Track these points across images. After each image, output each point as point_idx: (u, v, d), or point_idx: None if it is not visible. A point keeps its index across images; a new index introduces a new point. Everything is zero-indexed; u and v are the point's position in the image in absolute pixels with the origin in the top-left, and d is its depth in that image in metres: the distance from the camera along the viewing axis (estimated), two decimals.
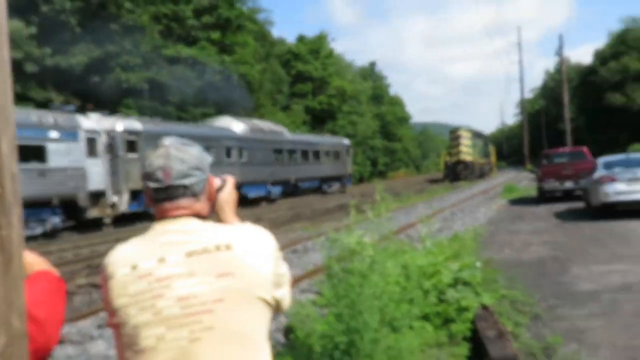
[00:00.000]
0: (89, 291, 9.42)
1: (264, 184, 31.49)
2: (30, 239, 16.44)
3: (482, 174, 51.95)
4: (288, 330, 5.66)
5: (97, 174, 20.69)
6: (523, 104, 60.65)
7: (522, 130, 63.62)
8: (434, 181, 50.46)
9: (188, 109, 38.57)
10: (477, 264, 9.22)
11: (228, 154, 29.12)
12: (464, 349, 5.20)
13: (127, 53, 30.98)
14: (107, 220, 21.59)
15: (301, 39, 66.54)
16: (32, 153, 17.72)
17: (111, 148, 21.59)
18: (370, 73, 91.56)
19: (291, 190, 35.03)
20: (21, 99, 28.46)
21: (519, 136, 76.07)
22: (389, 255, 7.93)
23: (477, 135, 54.13)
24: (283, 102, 57.98)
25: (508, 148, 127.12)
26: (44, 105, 28.39)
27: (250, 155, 30.90)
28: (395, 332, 5.48)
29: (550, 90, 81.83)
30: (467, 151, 46.22)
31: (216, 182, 1.85)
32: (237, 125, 31.57)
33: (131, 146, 22.29)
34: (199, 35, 39.48)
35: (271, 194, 32.46)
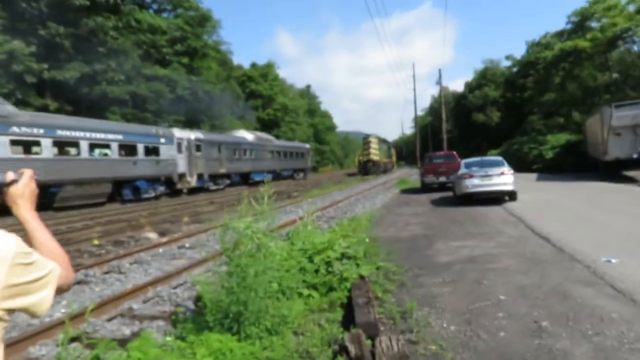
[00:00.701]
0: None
1: (262, 172, 35.96)
2: (150, 198, 22.76)
3: (385, 170, 52.37)
4: (197, 299, 5.01)
5: (182, 163, 25.78)
6: (416, 119, 61.75)
7: (415, 138, 64.80)
8: (351, 174, 50.47)
9: (163, 117, 36.83)
10: (366, 240, 8.89)
11: (245, 153, 34.59)
12: (338, 315, 4.71)
13: (112, 70, 29.09)
14: (185, 191, 26.59)
15: (254, 65, 65.67)
16: (153, 151, 23.44)
17: (188, 148, 26.47)
18: (306, 93, 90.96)
19: (276, 176, 39.49)
20: (22, 104, 26.15)
21: (414, 143, 77.53)
22: (296, 234, 7.48)
23: (382, 141, 54.58)
24: (239, 113, 56.93)
25: (406, 151, 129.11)
26: (42, 109, 26.28)
27: (256, 154, 36.72)
28: (287, 299, 4.97)
29: (434, 110, 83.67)
30: (375, 153, 46.43)
31: (9, 175, 1.32)
32: (248, 135, 37.49)
33: (198, 148, 27.51)
34: (172, 59, 37.76)
35: (262, 179, 34.68)
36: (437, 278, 6.06)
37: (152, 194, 23.05)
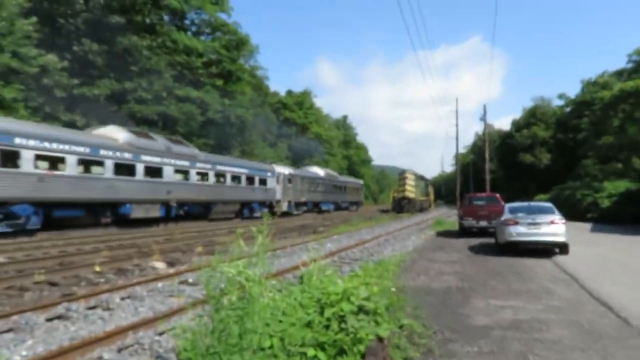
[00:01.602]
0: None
1: (329, 202, 46.25)
2: (255, 218, 29.69)
3: (421, 209, 51.12)
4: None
5: (278, 192, 34.08)
6: (457, 157, 60.38)
7: (455, 177, 63.48)
8: (384, 211, 49.55)
9: (192, 139, 37.37)
10: (391, 290, 8.12)
11: (318, 186, 43.11)
12: None
13: (142, 89, 29.79)
14: (278, 213, 32.77)
15: (289, 92, 66.51)
16: (263, 182, 31.88)
17: (283, 181, 34.93)
18: (342, 123, 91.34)
19: (337, 207, 49.41)
20: (51, 118, 27.00)
21: (454, 181, 76.07)
22: (309, 279, 6.83)
23: (420, 177, 53.55)
24: (271, 140, 57.44)
25: (445, 190, 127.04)
26: (70, 125, 27.03)
27: (325, 188, 45.41)
28: (288, 359, 4.30)
29: (478, 148, 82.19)
30: (410, 189, 45.45)
31: None
32: (320, 172, 46.40)
33: (289, 180, 36.18)
34: (206, 81, 38.56)
35: (331, 208, 46.89)
36: (473, 346, 5.25)
37: (258, 215, 30.87)
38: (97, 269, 9.73)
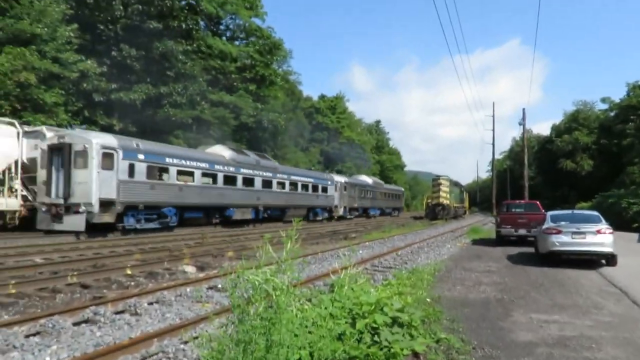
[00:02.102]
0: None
1: (375, 208, 49.75)
2: (318, 220, 34.42)
3: (456, 216, 50.01)
4: None
5: (336, 198, 38.44)
6: (494, 163, 58.92)
7: (491, 183, 61.96)
8: (417, 218, 48.71)
9: (225, 143, 37.80)
10: (426, 301, 7.77)
11: (367, 193, 47.18)
12: None
13: (177, 94, 30.29)
14: (335, 217, 38.37)
15: (322, 97, 66.57)
16: (324, 189, 36.47)
17: (340, 189, 39.16)
18: (375, 128, 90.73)
19: (382, 213, 52.18)
20: (89, 122, 27.77)
21: (489, 188, 74.23)
22: (340, 287, 6.56)
23: (454, 183, 52.38)
24: (303, 145, 57.58)
25: (480, 197, 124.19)
26: (108, 129, 27.73)
27: (373, 195, 49.04)
28: None
29: (515, 154, 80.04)
30: (445, 196, 44.47)
31: None
32: (369, 180, 50.15)
33: (345, 188, 40.30)
34: (239, 86, 38.93)
35: (377, 214, 50.00)
36: None
37: (320, 218, 35.76)
38: (129, 271, 9.77)
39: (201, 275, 9.94)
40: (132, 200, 18.76)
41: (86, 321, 5.77)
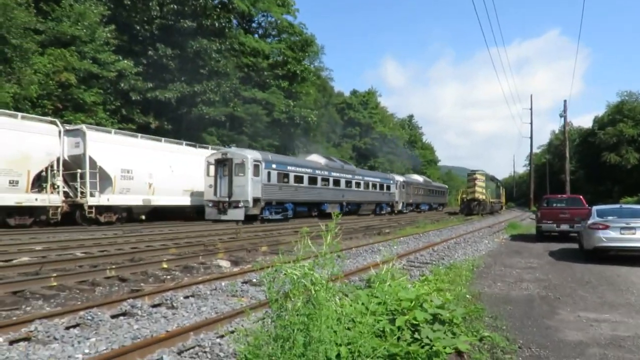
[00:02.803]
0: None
1: (425, 203, 54.32)
2: (383, 214, 39.56)
3: (492, 211, 48.78)
4: None
5: (397, 195, 43.77)
6: (531, 157, 57.25)
7: (529, 178, 60.25)
8: (452, 213, 47.83)
9: (258, 140, 38.05)
10: (467, 297, 7.49)
11: (419, 190, 51.86)
12: None
13: (210, 91, 30.64)
14: (395, 211, 43.11)
15: (354, 92, 66.21)
16: (387, 187, 42.08)
17: (399, 187, 44.38)
18: (408, 123, 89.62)
19: (430, 208, 56.19)
20: (127, 121, 28.43)
21: (527, 182, 72.20)
22: (377, 283, 6.39)
23: (490, 178, 51.06)
24: (336, 140, 57.44)
25: (517, 192, 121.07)
26: (144, 127, 28.34)
27: (424, 192, 53.73)
28: None
29: (554, 147, 77.58)
30: (480, 191, 43.39)
31: None
32: (420, 178, 55.56)
33: (403, 186, 45.44)
34: (271, 82, 39.08)
35: (426, 208, 54.13)
36: None
37: (384, 212, 41.38)
38: (165, 265, 9.86)
39: (235, 269, 9.94)
40: (269, 198, 24.94)
41: (124, 314, 5.80)
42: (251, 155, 23.89)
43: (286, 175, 26.69)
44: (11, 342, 4.58)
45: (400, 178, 45.97)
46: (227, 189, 23.43)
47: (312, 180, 29.50)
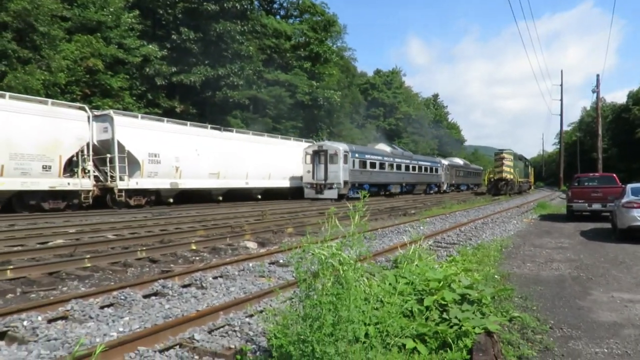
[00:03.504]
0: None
1: (464, 184, 59.22)
2: (431, 194, 44.76)
3: (520, 191, 47.90)
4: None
5: (443, 177, 48.77)
6: (562, 134, 55.65)
7: (559, 156, 58.75)
8: (478, 194, 47.19)
9: (281, 122, 38.06)
10: (495, 278, 7.40)
11: (459, 172, 56.87)
12: None
13: (234, 74, 30.66)
14: (441, 191, 48.05)
15: (378, 72, 65.31)
16: (435, 170, 46.60)
17: (445, 169, 49.72)
18: (432, 102, 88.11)
19: (467, 187, 60.56)
20: (153, 105, 28.77)
21: (556, 161, 70.48)
22: (404, 263, 6.35)
23: (518, 157, 49.98)
24: (359, 121, 56.96)
25: (546, 171, 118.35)
26: (170, 111, 28.64)
27: (464, 173, 58.99)
28: (384, 349, 3.91)
29: (585, 125, 75.18)
30: (508, 170, 42.56)
31: None
32: (460, 161, 60.97)
33: (447, 169, 50.67)
34: (294, 64, 38.85)
35: (464, 189, 58.98)
36: (601, 346, 4.50)
37: (432, 191, 46.49)
38: (193, 247, 10.04)
39: (262, 250, 10.04)
40: (354, 180, 30.70)
41: (155, 294, 5.93)
42: (342, 147, 30.09)
43: (364, 163, 32.54)
44: (49, 321, 4.74)
45: (445, 162, 51.79)
46: (323, 173, 29.56)
47: (382, 165, 35.32)
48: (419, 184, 43.44)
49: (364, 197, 3.63)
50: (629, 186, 13.09)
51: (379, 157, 35.08)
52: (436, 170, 47.67)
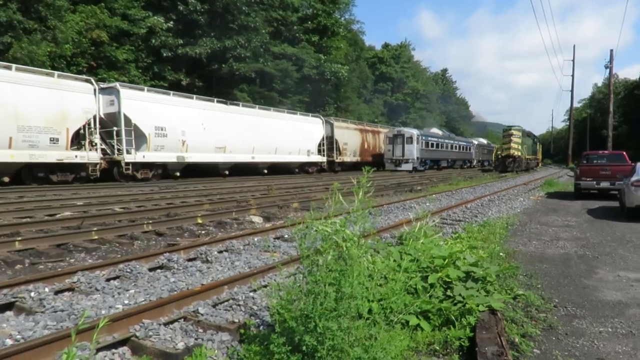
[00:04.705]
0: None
1: (487, 161, 62.17)
2: (467, 168, 55.21)
3: (528, 168, 47.58)
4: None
5: (474, 154, 58.07)
6: (571, 111, 54.82)
7: (568, 133, 58.07)
8: (485, 170, 46.96)
9: (288, 97, 37.75)
10: (500, 255, 7.38)
11: (484, 150, 63.42)
12: None
13: (241, 47, 30.26)
14: (471, 166, 53.94)
15: (386, 46, 64.23)
16: (468, 148, 56.47)
17: (475, 148, 58.46)
18: (441, 77, 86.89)
19: (489, 163, 61.09)
20: (159, 77, 28.56)
21: (565, 138, 69.73)
22: (409, 240, 6.32)
23: (526, 134, 49.45)
24: (367, 96, 56.43)
25: (555, 148, 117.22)
26: (175, 84, 28.43)
27: (487, 151, 64.35)
28: (387, 326, 3.92)
29: (596, 102, 73.99)
30: (516, 147, 42.15)
31: None
32: (483, 141, 69.81)
33: (477, 148, 59.08)
34: (301, 37, 38.27)
35: (486, 165, 60.78)
36: (605, 325, 4.48)
37: (466, 166, 55.19)
38: (199, 221, 10.07)
39: (268, 225, 10.07)
40: (422, 157, 40.03)
41: (161, 267, 5.97)
42: (415, 132, 39.77)
43: (427, 143, 41.65)
44: (56, 292, 4.79)
45: (475, 141, 60.72)
46: (401, 152, 38.85)
47: (437, 145, 44.47)
48: (458, 160, 53.09)
49: (368, 171, 3.56)
50: (639, 164, 12.91)
51: (435, 139, 44.52)
52: (469, 149, 56.95)
